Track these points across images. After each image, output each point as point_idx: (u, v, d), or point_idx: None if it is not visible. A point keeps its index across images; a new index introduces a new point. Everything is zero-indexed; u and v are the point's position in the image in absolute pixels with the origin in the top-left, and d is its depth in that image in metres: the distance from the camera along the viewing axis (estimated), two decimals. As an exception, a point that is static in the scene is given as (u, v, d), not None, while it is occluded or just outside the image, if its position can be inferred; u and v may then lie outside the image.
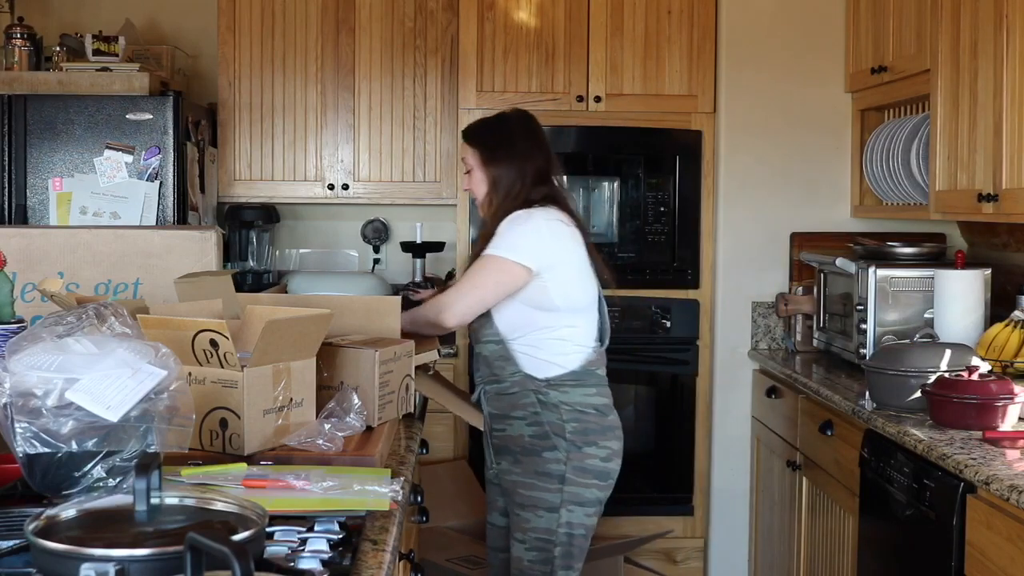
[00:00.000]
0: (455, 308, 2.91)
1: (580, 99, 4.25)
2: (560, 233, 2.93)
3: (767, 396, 4.02)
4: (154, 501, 1.44)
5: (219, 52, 4.48)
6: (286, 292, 4.12)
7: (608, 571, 3.85)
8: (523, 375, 2.93)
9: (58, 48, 4.27)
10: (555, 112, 4.27)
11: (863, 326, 3.55)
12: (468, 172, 3.07)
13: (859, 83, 4.09)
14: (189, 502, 1.49)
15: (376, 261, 4.88)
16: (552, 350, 2.93)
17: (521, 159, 2.99)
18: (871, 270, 3.54)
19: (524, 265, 2.87)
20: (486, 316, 2.96)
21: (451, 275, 4.77)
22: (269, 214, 4.67)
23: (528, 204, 2.95)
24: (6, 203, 3.96)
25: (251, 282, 4.56)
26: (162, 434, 1.67)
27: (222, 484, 1.79)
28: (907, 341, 3.31)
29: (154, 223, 3.92)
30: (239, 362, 2.01)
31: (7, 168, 3.96)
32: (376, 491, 1.82)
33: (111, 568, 1.27)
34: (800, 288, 4.22)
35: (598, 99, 4.26)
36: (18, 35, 4.19)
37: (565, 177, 3.27)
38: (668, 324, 4.30)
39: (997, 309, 3.42)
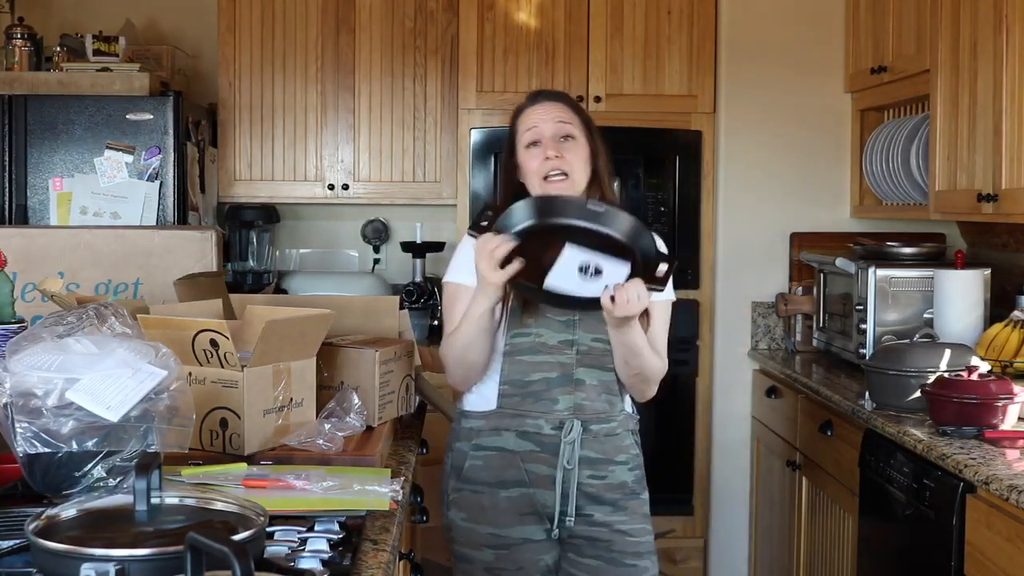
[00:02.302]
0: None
1: (580, 99, 4.25)
2: None
3: (767, 396, 4.02)
4: (154, 501, 1.44)
5: (219, 52, 4.48)
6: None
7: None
8: (625, 413, 2.53)
9: (58, 48, 4.27)
10: (555, 112, 4.28)
11: (863, 326, 3.55)
12: (568, 138, 2.52)
13: (859, 83, 4.09)
14: (189, 502, 1.49)
15: (376, 261, 4.88)
16: None
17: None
18: (871, 270, 3.54)
19: None
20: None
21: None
22: (269, 214, 4.67)
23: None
24: (6, 203, 3.96)
25: (251, 282, 4.56)
26: (162, 434, 1.67)
27: (222, 484, 1.80)
28: (907, 341, 3.31)
29: (154, 223, 3.92)
30: (239, 362, 2.01)
31: (7, 168, 3.96)
32: (376, 491, 1.83)
33: (111, 568, 1.27)
34: (800, 288, 4.22)
35: (598, 99, 4.26)
36: (18, 35, 4.19)
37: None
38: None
39: (997, 309, 3.42)
